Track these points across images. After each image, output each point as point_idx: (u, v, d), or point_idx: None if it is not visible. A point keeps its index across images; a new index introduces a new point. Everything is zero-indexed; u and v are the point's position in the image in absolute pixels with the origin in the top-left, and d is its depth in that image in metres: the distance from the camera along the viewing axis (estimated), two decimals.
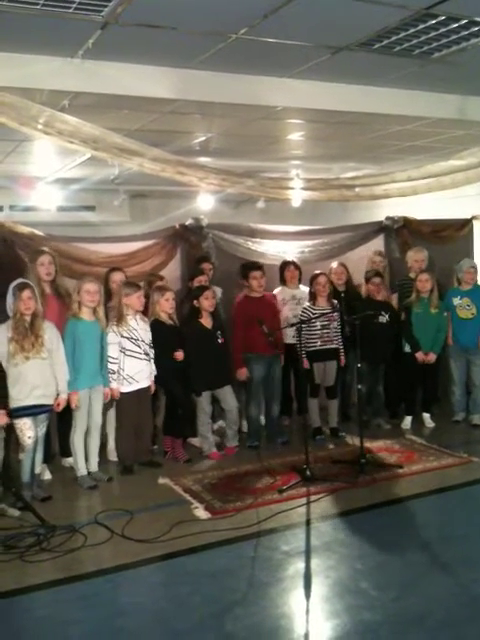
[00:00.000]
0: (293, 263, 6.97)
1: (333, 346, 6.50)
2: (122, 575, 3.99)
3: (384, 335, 6.68)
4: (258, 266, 6.47)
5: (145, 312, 5.93)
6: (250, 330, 6.13)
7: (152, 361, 5.83)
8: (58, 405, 5.19)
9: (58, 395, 5.17)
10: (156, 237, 6.99)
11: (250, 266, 6.48)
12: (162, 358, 5.86)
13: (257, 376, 6.34)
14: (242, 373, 6.28)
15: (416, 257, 7.22)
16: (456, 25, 4.32)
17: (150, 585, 3.91)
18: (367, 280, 6.89)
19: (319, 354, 6.44)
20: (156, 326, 5.87)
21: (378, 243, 7.95)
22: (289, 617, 3.46)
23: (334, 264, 7.19)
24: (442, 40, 4.59)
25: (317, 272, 6.57)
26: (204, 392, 6.05)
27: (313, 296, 6.51)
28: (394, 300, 7.22)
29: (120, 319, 5.65)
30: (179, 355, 5.92)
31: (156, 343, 5.83)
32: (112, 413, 5.98)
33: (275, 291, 6.90)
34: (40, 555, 4.22)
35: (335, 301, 6.59)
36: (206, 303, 6.02)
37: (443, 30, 4.40)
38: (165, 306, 5.91)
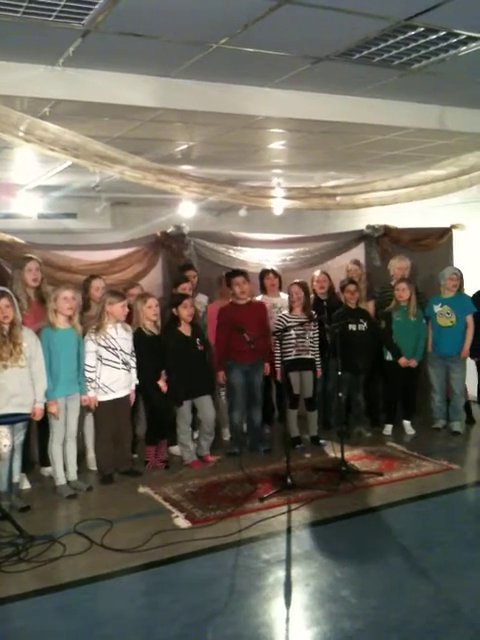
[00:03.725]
0: (272, 271, 6.98)
1: (308, 356, 6.50)
2: (101, 585, 3.96)
3: (362, 343, 6.70)
4: (241, 272, 6.48)
5: (129, 321, 5.91)
6: (231, 337, 6.14)
7: (133, 371, 5.81)
8: (35, 414, 5.15)
9: (35, 403, 5.13)
10: (138, 245, 6.97)
11: (233, 273, 6.49)
12: (143, 368, 5.85)
13: (236, 383, 6.34)
14: (220, 376, 6.29)
15: (399, 265, 7.27)
16: (435, 36, 4.36)
17: (130, 595, 3.88)
18: (342, 288, 6.93)
19: (294, 364, 6.41)
20: (138, 336, 5.85)
21: (359, 252, 7.99)
22: (269, 626, 3.45)
23: (316, 272, 7.23)
24: (421, 51, 4.63)
25: (295, 281, 6.59)
26: (185, 401, 6.04)
27: (290, 305, 6.53)
28: (371, 307, 7.27)
29: (100, 327, 5.62)
30: (162, 386, 5.94)
31: (138, 353, 5.81)
32: (91, 422, 5.95)
33: (261, 301, 6.91)
34: (18, 565, 4.18)
35: (313, 311, 6.60)
36: (184, 312, 6.00)
37: (422, 41, 4.44)
38: (149, 313, 5.89)
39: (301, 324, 6.35)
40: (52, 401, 5.29)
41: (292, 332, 6.36)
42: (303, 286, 6.56)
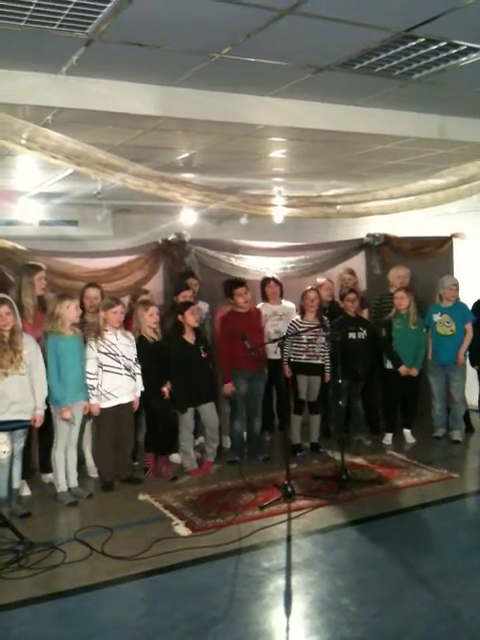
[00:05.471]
0: (273, 279, 7.00)
1: (318, 362, 6.53)
2: (101, 592, 3.95)
3: (361, 351, 6.71)
4: (242, 282, 6.50)
5: (129, 327, 5.92)
6: (234, 345, 6.15)
7: (138, 377, 5.81)
8: (35, 421, 5.14)
9: (35, 410, 5.12)
10: (139, 252, 6.98)
11: (234, 283, 6.50)
12: (145, 374, 5.85)
13: (241, 392, 6.34)
14: (228, 388, 6.28)
15: (398, 273, 7.31)
16: (435, 47, 4.39)
17: (130, 602, 3.87)
18: (342, 297, 6.95)
19: (303, 367, 6.46)
20: (140, 343, 5.86)
21: (359, 260, 8.02)
22: (269, 634, 3.45)
23: (321, 280, 7.25)
24: (422, 61, 4.66)
25: (309, 287, 6.64)
26: (188, 408, 6.04)
27: (303, 310, 6.56)
28: (365, 315, 7.29)
29: (98, 334, 5.63)
30: (164, 391, 5.94)
31: (140, 359, 5.81)
32: (89, 429, 5.95)
33: (257, 307, 6.93)
34: (18, 572, 4.17)
35: (326, 318, 6.64)
36: (191, 319, 6.02)
37: (423, 51, 4.47)
38: (149, 321, 5.90)
39: (311, 329, 6.37)
40: (65, 408, 5.31)
41: (304, 337, 6.40)
42: (318, 292, 6.65)
